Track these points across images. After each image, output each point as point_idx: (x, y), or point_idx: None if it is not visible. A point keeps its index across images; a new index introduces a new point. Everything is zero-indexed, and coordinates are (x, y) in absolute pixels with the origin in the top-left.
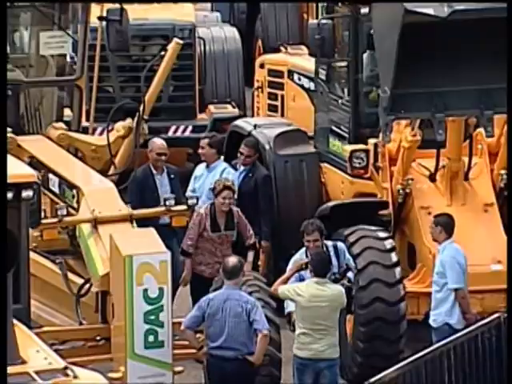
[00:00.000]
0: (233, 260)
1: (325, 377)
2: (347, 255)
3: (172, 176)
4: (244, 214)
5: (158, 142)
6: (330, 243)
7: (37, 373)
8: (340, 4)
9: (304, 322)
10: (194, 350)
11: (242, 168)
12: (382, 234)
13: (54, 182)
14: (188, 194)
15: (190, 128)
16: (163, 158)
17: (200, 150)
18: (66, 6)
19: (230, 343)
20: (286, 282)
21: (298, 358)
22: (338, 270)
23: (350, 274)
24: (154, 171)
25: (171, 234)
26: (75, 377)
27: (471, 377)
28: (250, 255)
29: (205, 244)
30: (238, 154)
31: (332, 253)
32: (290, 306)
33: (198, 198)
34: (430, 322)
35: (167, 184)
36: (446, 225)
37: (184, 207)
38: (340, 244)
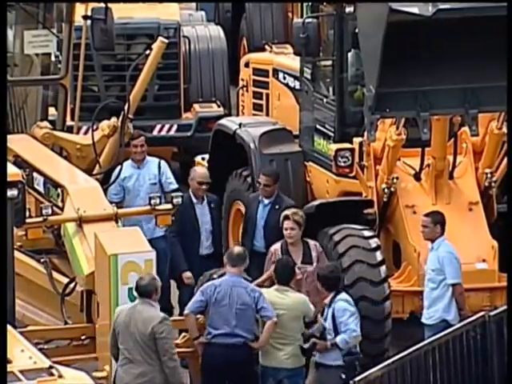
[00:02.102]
0: (238, 248)
1: None
2: (348, 319)
3: (212, 205)
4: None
5: (199, 171)
6: (338, 297)
7: (21, 372)
8: (325, 3)
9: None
10: (179, 350)
11: (267, 201)
12: (367, 233)
13: (38, 181)
14: (112, 196)
15: (175, 127)
16: (204, 187)
17: (141, 149)
18: (50, 5)
19: (238, 330)
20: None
21: (260, 365)
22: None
23: (340, 338)
24: (195, 200)
25: (214, 267)
26: (60, 376)
27: (456, 375)
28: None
29: None
30: (257, 185)
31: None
32: None
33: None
34: (424, 320)
35: (207, 213)
36: (442, 222)
37: (169, 206)
38: (342, 304)
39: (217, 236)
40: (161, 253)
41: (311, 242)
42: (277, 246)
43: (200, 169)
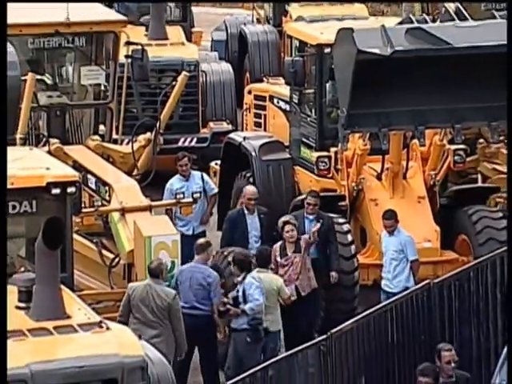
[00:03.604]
0: (201, 240)
1: (268, 346)
2: (254, 291)
3: (261, 216)
4: (321, 253)
5: (250, 189)
6: (249, 275)
7: (79, 325)
8: (309, 46)
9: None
10: None
11: (311, 217)
12: (341, 220)
13: (91, 180)
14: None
15: (194, 139)
16: (253, 202)
17: (186, 167)
18: (100, 47)
19: (196, 304)
20: None
21: None
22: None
23: (247, 306)
24: (246, 211)
25: None
26: (108, 328)
27: (408, 327)
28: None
29: (279, 270)
30: (306, 205)
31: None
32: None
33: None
34: (389, 289)
35: (257, 222)
36: (397, 216)
37: (190, 200)
38: (250, 280)
39: (264, 240)
40: None
41: (302, 237)
42: (276, 245)
43: (250, 187)
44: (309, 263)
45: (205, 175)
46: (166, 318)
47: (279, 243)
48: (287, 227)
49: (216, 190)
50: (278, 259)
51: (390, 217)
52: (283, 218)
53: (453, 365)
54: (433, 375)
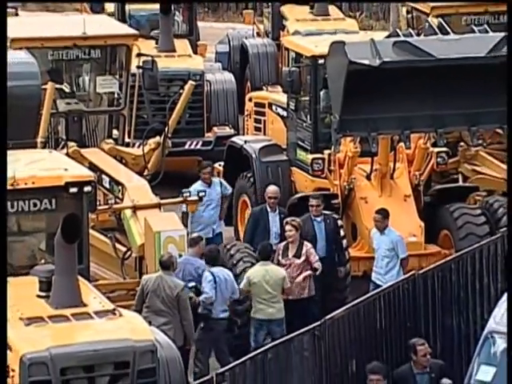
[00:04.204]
0: (194, 234)
1: (275, 332)
2: (206, 285)
3: (282, 216)
4: (328, 251)
5: (271, 188)
6: (208, 269)
7: (94, 312)
8: (304, 57)
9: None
10: None
11: (319, 219)
12: (334, 216)
13: (106, 180)
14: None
15: (200, 143)
16: (273, 200)
17: (209, 175)
18: (114, 59)
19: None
20: None
21: (255, 319)
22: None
23: (201, 297)
24: (269, 209)
25: None
26: (120, 315)
27: (394, 314)
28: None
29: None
30: (310, 208)
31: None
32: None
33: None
34: (381, 283)
35: (278, 220)
36: (388, 215)
37: (196, 198)
38: (205, 274)
39: (283, 238)
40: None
41: (306, 243)
42: (281, 244)
43: (271, 187)
44: (307, 282)
45: (222, 180)
46: (175, 308)
47: (283, 243)
48: (286, 227)
49: (231, 190)
50: (280, 258)
51: (382, 214)
52: (286, 219)
53: (428, 357)
54: (382, 372)
